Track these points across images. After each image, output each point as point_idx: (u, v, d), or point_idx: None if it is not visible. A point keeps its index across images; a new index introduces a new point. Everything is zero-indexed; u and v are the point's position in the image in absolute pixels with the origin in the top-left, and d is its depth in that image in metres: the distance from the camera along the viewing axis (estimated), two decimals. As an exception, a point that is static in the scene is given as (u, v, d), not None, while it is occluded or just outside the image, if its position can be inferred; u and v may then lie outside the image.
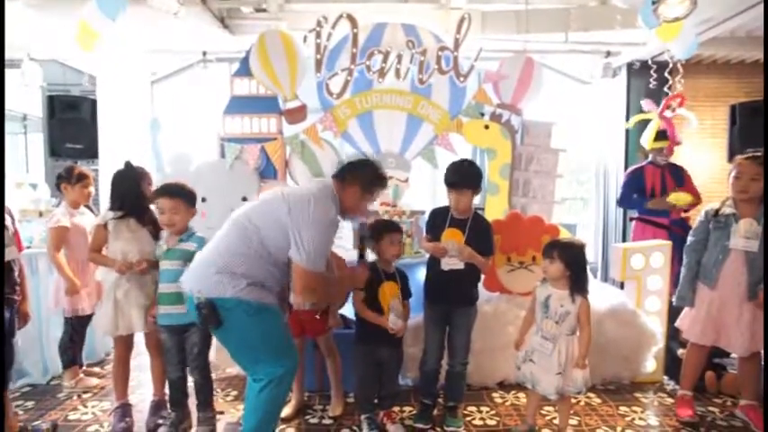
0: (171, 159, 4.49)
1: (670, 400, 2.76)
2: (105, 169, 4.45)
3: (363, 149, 4.07)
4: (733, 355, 2.69)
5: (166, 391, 2.44)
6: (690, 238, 2.58)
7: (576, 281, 2.21)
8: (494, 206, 3.82)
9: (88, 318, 2.98)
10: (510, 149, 3.89)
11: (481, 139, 3.92)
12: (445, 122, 3.94)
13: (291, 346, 1.99)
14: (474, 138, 3.93)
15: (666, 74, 4.23)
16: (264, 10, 4.43)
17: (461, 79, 3.89)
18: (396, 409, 2.56)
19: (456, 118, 3.94)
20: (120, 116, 4.77)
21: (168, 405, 2.43)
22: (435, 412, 2.51)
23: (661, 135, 3.79)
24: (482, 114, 3.97)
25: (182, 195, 2.29)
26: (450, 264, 2.35)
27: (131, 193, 2.44)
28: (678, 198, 3.55)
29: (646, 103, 4.07)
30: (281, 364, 1.88)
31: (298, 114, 4.00)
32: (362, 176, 2.05)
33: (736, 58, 5.22)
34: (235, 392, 2.86)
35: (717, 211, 2.46)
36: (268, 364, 1.87)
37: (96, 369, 3.32)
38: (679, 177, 3.70)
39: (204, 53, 5.02)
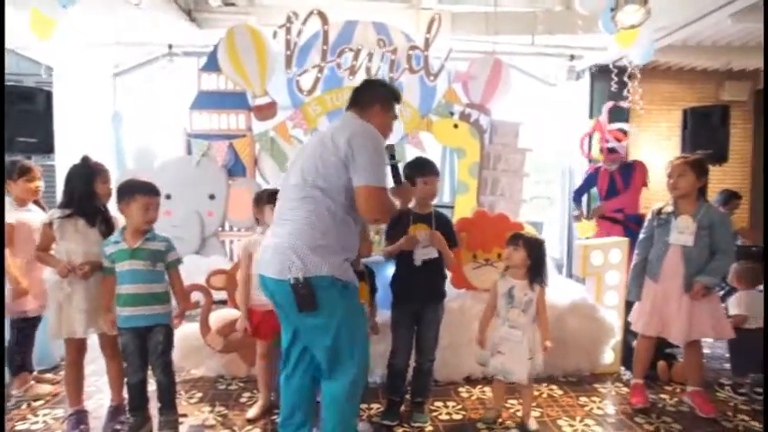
0: (134, 155, 4.37)
1: (626, 390, 2.89)
2: (62, 164, 4.28)
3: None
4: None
5: (125, 395, 2.35)
6: (640, 236, 2.73)
7: (536, 270, 2.35)
8: (463, 204, 3.89)
9: (36, 320, 2.81)
10: (479, 149, 3.97)
11: (450, 138, 3.99)
12: (415, 121, 3.98)
13: (367, 339, 1.89)
14: (443, 137, 3.99)
15: (626, 78, 4.41)
16: (233, 4, 4.36)
17: (431, 78, 3.94)
18: (363, 406, 2.57)
19: (426, 117, 3.99)
20: (79, 109, 4.59)
21: (127, 410, 2.33)
22: (402, 408, 2.55)
23: (609, 150, 3.95)
24: (451, 114, 4.04)
25: (158, 192, 2.24)
26: (424, 254, 2.37)
27: (81, 190, 2.31)
28: (583, 228, 3.85)
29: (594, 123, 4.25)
30: (359, 354, 1.81)
31: (267, 111, 3.96)
32: (377, 95, 1.96)
33: (688, 65, 5.50)
34: (199, 394, 2.80)
35: (660, 210, 2.63)
36: (350, 358, 1.78)
37: (49, 375, 3.08)
38: (628, 179, 3.83)
39: (170, 46, 4.89)
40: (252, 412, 2.52)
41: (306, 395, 1.92)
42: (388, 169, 1.87)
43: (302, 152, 1.91)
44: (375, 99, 1.95)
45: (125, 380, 2.30)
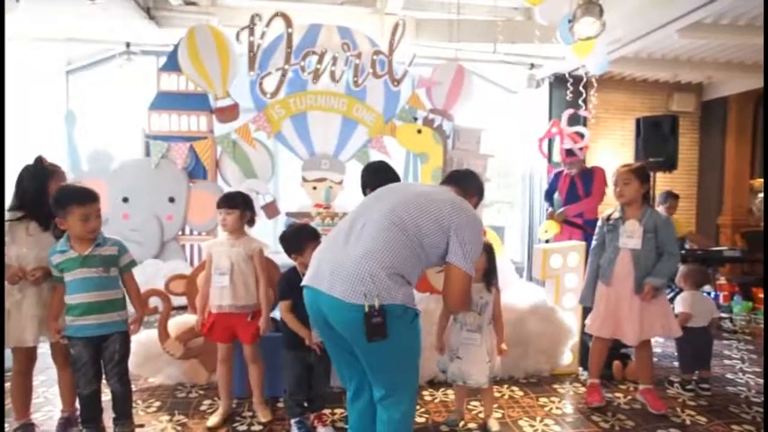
0: (89, 156, 4.18)
1: (583, 389, 2.98)
2: (10, 166, 4.05)
3: (297, 150, 4.03)
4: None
5: (77, 406, 2.25)
6: (592, 243, 2.84)
7: (491, 274, 2.43)
8: (426, 209, 3.93)
9: None
10: (441, 153, 4.03)
11: (414, 143, 4.03)
12: (379, 125, 4.00)
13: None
14: (407, 141, 4.03)
15: (581, 87, 4.59)
16: (194, 3, 4.27)
17: (395, 84, 3.98)
18: (327, 411, 2.55)
19: (390, 121, 4.01)
20: (28, 107, 4.36)
21: (79, 422, 2.23)
22: (367, 412, 2.54)
23: (567, 151, 4.11)
24: (415, 119, 4.08)
25: (97, 198, 2.13)
26: None
27: (33, 192, 2.20)
28: (549, 227, 4.00)
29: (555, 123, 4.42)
30: (415, 380, 1.78)
31: (229, 113, 3.89)
32: (478, 189, 2.07)
33: (640, 76, 5.80)
34: (157, 403, 2.71)
35: (609, 216, 2.75)
36: (407, 381, 1.75)
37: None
38: (588, 183, 3.99)
39: (128, 44, 4.73)
40: (212, 420, 2.46)
41: (372, 415, 1.86)
42: None
43: (406, 185, 1.97)
44: (476, 192, 2.04)
45: (77, 391, 2.19)
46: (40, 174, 2.25)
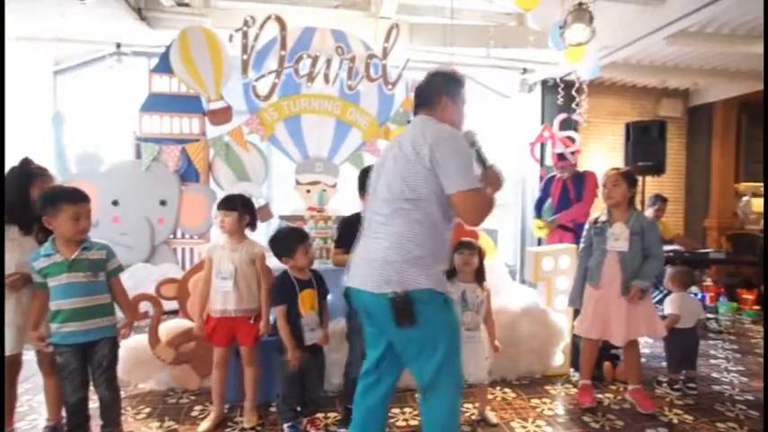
0: (78, 158, 4.13)
1: (575, 390, 3.01)
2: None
3: (291, 153, 4.03)
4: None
5: (63, 414, 2.19)
6: (580, 246, 2.88)
7: (482, 273, 2.50)
8: (419, 212, 3.94)
9: None
10: (435, 157, 4.04)
11: (408, 146, 4.04)
12: (373, 129, 4.01)
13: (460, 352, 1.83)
14: (401, 145, 4.03)
15: (573, 92, 4.64)
16: (187, 4, 4.24)
17: (389, 87, 3.99)
18: (320, 415, 2.55)
19: (384, 124, 4.02)
20: (15, 108, 4.29)
21: (66, 429, 2.16)
22: (360, 416, 2.54)
23: (558, 155, 4.15)
24: (409, 122, 4.09)
25: (89, 199, 2.10)
26: None
27: (15, 196, 2.14)
28: (538, 224, 4.07)
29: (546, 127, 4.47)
30: (456, 370, 1.76)
31: (222, 116, 3.87)
32: (440, 87, 1.87)
33: (629, 82, 5.90)
34: (147, 410, 2.67)
35: (596, 220, 2.80)
36: (446, 370, 1.72)
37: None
38: (580, 187, 4.03)
39: (118, 45, 4.69)
40: (203, 426, 2.43)
41: (386, 404, 1.92)
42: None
43: (383, 165, 1.84)
44: (439, 92, 1.85)
45: (64, 399, 2.14)
46: (24, 176, 2.20)
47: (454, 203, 1.70)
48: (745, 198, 6.63)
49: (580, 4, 3.30)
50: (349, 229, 2.40)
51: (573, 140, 4.13)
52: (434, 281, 1.69)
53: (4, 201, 1.99)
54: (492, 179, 1.83)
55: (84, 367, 2.09)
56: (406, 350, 1.76)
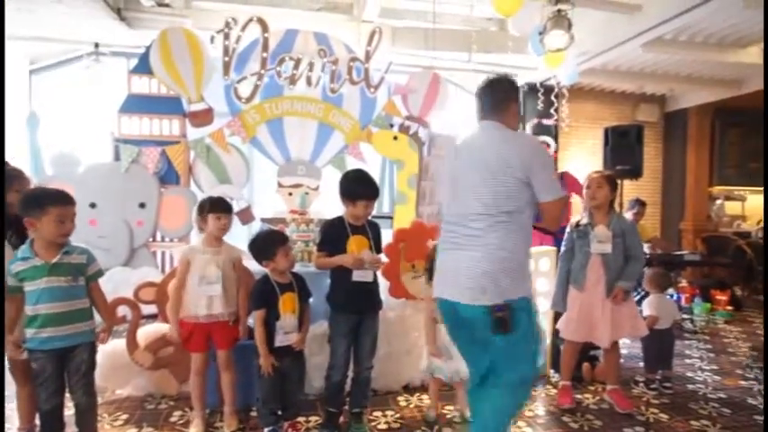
0: (54, 160, 4.03)
1: (555, 391, 3.06)
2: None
3: (273, 156, 4.01)
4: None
5: (36, 422, 2.13)
6: (562, 249, 2.92)
7: None
8: (402, 215, 3.96)
9: None
10: (417, 160, 4.07)
11: (390, 149, 4.06)
12: (356, 132, 4.02)
13: None
14: (383, 148, 4.05)
15: (553, 97, 4.73)
16: (167, 5, 4.19)
17: (372, 90, 4.00)
18: (301, 419, 2.53)
19: (366, 128, 4.03)
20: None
21: None
22: (341, 420, 2.53)
23: None
24: (391, 125, 4.12)
25: (74, 202, 2.05)
26: (361, 276, 2.36)
27: None
28: None
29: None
30: (533, 368, 1.84)
31: (203, 117, 3.83)
32: (507, 93, 1.92)
33: (608, 87, 6.03)
34: (125, 416, 2.62)
35: (578, 223, 2.83)
36: (527, 364, 1.82)
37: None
38: None
39: (96, 45, 4.61)
40: (193, 432, 2.41)
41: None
42: None
43: (456, 177, 1.86)
44: (508, 98, 1.91)
45: (38, 406, 2.08)
46: None
47: (545, 210, 1.82)
48: (718, 201, 6.83)
49: (559, 10, 3.36)
50: (332, 233, 2.41)
51: (548, 146, 4.19)
52: (527, 289, 1.80)
53: (4, 202, 1.92)
54: None
55: (60, 373, 2.03)
56: (496, 353, 1.82)
